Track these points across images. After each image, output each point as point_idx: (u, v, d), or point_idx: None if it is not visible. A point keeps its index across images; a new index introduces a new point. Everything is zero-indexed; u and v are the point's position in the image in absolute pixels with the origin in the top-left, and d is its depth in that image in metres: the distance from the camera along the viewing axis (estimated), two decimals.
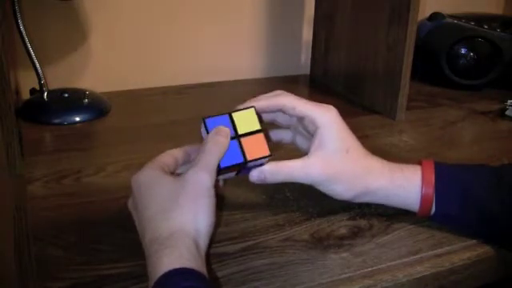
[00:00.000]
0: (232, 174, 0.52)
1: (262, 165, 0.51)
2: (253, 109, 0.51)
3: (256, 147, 0.50)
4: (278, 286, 0.46)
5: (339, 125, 0.53)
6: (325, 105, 0.53)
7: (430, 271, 0.50)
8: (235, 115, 0.50)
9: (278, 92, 0.54)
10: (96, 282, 0.45)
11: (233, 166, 0.49)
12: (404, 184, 0.53)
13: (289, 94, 0.54)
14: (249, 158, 0.49)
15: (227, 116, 0.50)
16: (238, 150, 0.49)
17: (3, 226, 0.52)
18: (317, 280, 0.47)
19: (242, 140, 0.50)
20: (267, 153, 0.50)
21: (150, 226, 0.44)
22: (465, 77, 1.01)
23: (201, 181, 0.45)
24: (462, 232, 0.54)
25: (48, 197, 0.59)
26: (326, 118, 0.52)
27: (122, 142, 0.75)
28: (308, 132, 0.54)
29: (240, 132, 0.50)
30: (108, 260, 0.48)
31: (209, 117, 0.50)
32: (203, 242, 0.44)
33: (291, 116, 0.54)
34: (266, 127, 0.54)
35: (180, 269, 0.39)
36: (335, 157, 0.52)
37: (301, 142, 0.57)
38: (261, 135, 0.51)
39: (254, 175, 0.51)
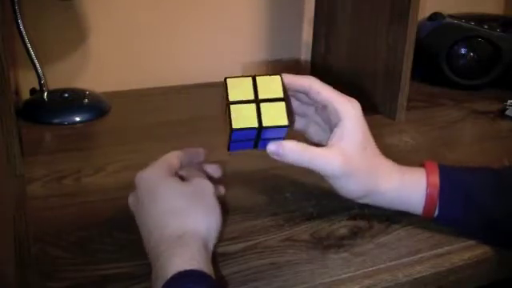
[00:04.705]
0: (250, 145, 0.48)
1: (280, 139, 0.48)
2: (279, 76, 0.48)
3: (275, 115, 0.46)
4: (278, 285, 0.46)
5: (362, 121, 0.51)
6: (349, 97, 0.52)
7: (430, 271, 0.50)
8: (259, 79, 0.47)
9: (308, 76, 0.52)
10: (96, 282, 0.45)
11: (247, 129, 0.46)
12: (411, 188, 0.52)
13: (317, 80, 0.52)
14: (265, 123, 0.46)
15: (250, 79, 0.47)
16: (255, 114, 0.46)
17: (3, 226, 0.52)
18: (317, 280, 0.47)
19: (262, 105, 0.46)
20: (285, 122, 0.46)
21: (159, 223, 0.44)
22: (465, 77, 1.01)
23: (208, 186, 0.48)
24: (464, 234, 0.54)
25: (48, 197, 0.59)
26: (351, 111, 0.50)
27: (121, 142, 0.75)
28: (325, 122, 0.53)
29: (261, 97, 0.46)
30: (108, 260, 0.48)
31: (232, 77, 0.47)
32: (211, 242, 0.45)
33: (313, 101, 0.52)
34: (290, 99, 0.51)
35: (190, 271, 0.39)
36: (355, 152, 0.50)
37: (315, 132, 0.55)
38: (282, 104, 0.47)
39: (272, 147, 0.48)
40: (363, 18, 0.88)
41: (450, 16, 1.04)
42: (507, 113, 0.88)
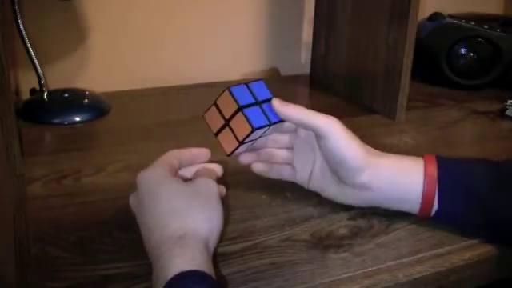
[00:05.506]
0: (260, 114, 0.53)
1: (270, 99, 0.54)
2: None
3: (261, 91, 0.54)
4: (277, 285, 0.46)
5: (344, 128, 0.53)
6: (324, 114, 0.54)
7: (430, 271, 0.50)
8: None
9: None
10: (96, 282, 0.45)
11: (238, 86, 0.52)
12: (408, 171, 0.53)
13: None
14: (259, 98, 0.53)
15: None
16: (249, 94, 0.53)
17: (3, 226, 0.52)
18: (317, 280, 0.47)
19: (249, 84, 0.53)
20: (271, 95, 0.54)
21: (159, 223, 0.44)
22: (465, 77, 1.01)
23: (212, 187, 0.48)
24: (465, 230, 0.53)
25: (48, 197, 0.59)
26: (331, 123, 0.52)
27: (121, 141, 0.75)
28: (310, 147, 0.55)
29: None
30: (108, 260, 0.48)
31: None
32: (212, 243, 0.45)
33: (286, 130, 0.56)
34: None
35: (191, 271, 0.39)
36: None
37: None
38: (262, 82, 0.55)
39: (276, 102, 0.52)
40: (363, 18, 0.88)
41: (450, 16, 1.04)
42: (507, 113, 0.88)
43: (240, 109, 0.51)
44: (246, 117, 0.51)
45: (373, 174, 0.52)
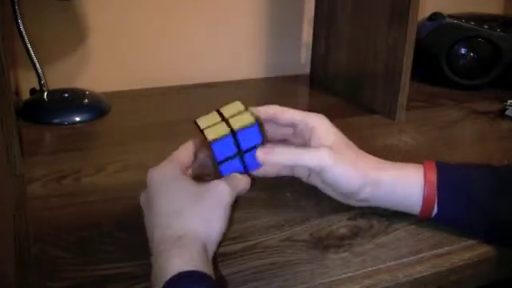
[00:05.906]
0: (238, 164, 0.51)
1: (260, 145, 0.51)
2: (238, 101, 0.52)
3: (242, 120, 0.50)
4: (277, 285, 0.46)
5: (332, 125, 0.54)
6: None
7: (430, 271, 0.50)
8: (222, 109, 0.52)
9: (270, 105, 0.55)
10: (96, 282, 0.45)
11: (223, 139, 0.49)
12: (407, 179, 0.53)
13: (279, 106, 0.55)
14: (235, 127, 0.49)
15: (215, 112, 0.51)
16: (226, 126, 0.49)
17: (3, 226, 0.52)
18: (317, 280, 0.47)
19: (230, 120, 0.50)
20: (253, 120, 0.49)
21: (161, 223, 0.44)
22: (465, 77, 1.01)
23: (223, 193, 0.47)
24: (466, 233, 0.53)
25: (48, 197, 0.59)
26: (319, 117, 0.53)
27: (121, 141, 0.75)
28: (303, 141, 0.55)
29: (227, 116, 0.51)
30: (108, 260, 0.48)
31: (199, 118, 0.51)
32: (211, 247, 0.44)
33: (283, 125, 0.55)
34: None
35: (190, 271, 0.39)
36: (338, 145, 0.52)
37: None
38: (246, 113, 0.50)
39: (260, 153, 0.51)
40: (363, 18, 0.88)
41: (450, 16, 1.04)
42: (507, 113, 0.88)
43: (216, 164, 0.50)
44: (220, 172, 0.50)
45: (373, 189, 0.53)
